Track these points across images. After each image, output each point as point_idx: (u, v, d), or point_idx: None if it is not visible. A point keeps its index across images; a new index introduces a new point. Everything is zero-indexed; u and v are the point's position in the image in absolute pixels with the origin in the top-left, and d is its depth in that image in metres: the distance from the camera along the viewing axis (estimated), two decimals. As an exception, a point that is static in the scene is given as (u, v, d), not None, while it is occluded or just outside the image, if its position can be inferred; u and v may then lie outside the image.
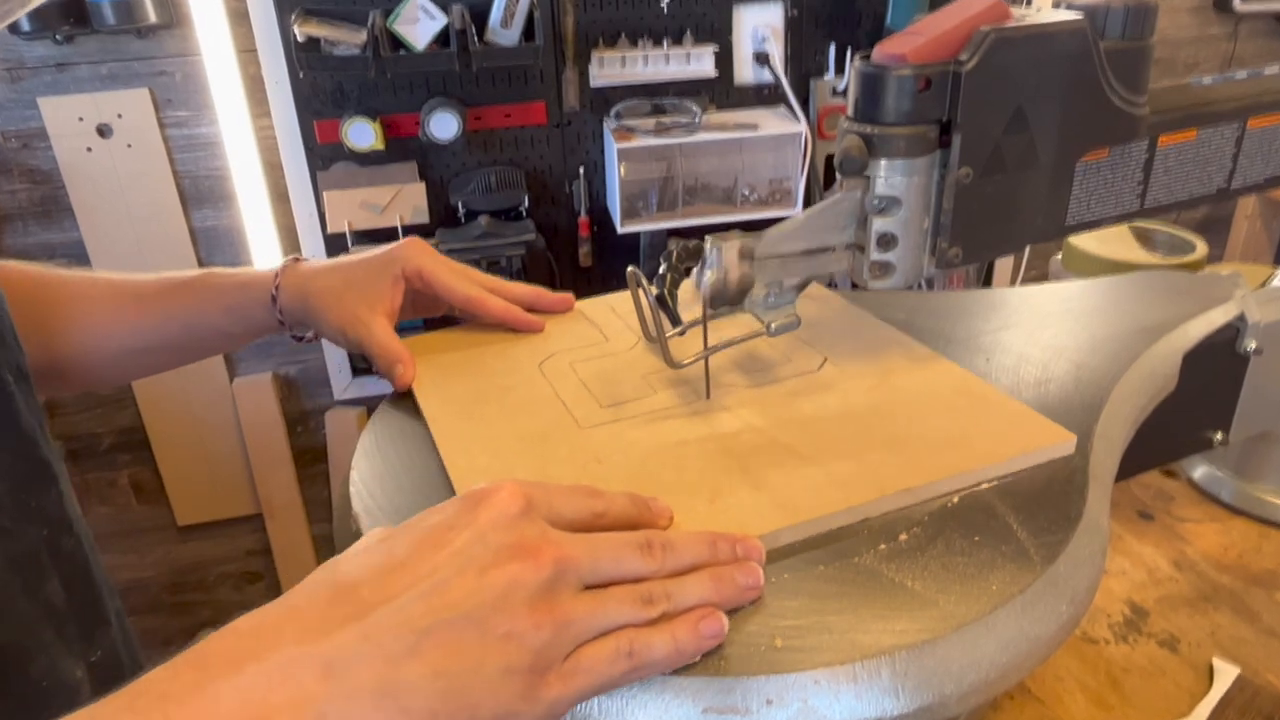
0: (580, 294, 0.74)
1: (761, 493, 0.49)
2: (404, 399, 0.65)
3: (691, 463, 0.53)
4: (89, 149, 1.69)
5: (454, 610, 0.36)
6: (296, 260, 0.71)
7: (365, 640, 0.35)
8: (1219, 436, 0.73)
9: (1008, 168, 0.55)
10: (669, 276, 0.60)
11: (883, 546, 0.47)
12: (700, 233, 1.93)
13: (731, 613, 0.42)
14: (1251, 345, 0.70)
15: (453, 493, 0.53)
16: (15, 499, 0.56)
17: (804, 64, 1.83)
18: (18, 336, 0.59)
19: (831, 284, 0.72)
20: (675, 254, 0.60)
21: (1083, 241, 1.21)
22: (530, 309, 0.71)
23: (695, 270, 0.57)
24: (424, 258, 0.69)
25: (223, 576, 2.12)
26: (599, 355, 0.66)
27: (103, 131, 1.68)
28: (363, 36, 1.55)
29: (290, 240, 1.79)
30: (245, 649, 0.35)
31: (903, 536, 0.48)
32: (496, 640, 0.36)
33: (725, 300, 0.57)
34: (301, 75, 1.63)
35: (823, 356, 0.64)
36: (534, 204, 1.80)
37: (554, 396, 0.61)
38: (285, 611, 0.37)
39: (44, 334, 0.70)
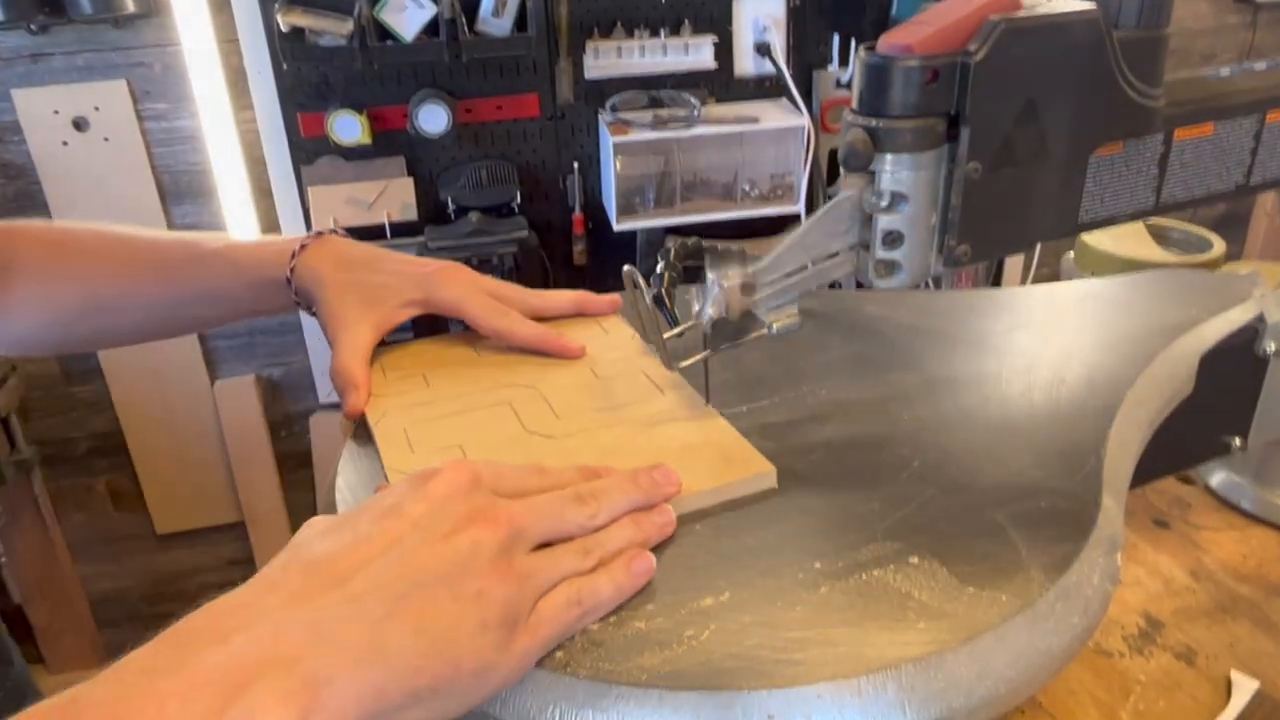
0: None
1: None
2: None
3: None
4: (65, 143, 1.68)
5: (425, 573, 0.40)
6: (322, 235, 0.71)
7: (347, 604, 0.38)
8: (1237, 442, 0.73)
9: (1018, 162, 0.55)
10: (667, 276, 0.60)
11: (889, 556, 0.47)
12: (699, 230, 1.92)
13: (733, 625, 0.43)
14: (1271, 347, 0.70)
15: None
16: None
17: (806, 55, 1.83)
18: None
19: (836, 285, 0.72)
20: (673, 252, 0.60)
21: (1096, 239, 1.21)
22: (579, 314, 0.72)
23: (695, 302, 0.57)
24: (456, 288, 0.68)
25: (203, 587, 2.11)
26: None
27: (79, 124, 1.68)
28: (349, 26, 1.54)
29: (273, 237, 1.79)
30: (228, 622, 0.37)
31: (911, 549, 0.48)
32: (468, 599, 0.40)
33: (727, 336, 0.58)
34: (285, 66, 1.62)
35: None
36: (526, 200, 1.80)
37: (510, 412, 0.61)
38: (262, 586, 0.39)
39: (55, 295, 0.73)
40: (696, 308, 0.57)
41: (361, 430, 0.62)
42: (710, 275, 0.55)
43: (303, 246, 0.69)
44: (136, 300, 0.73)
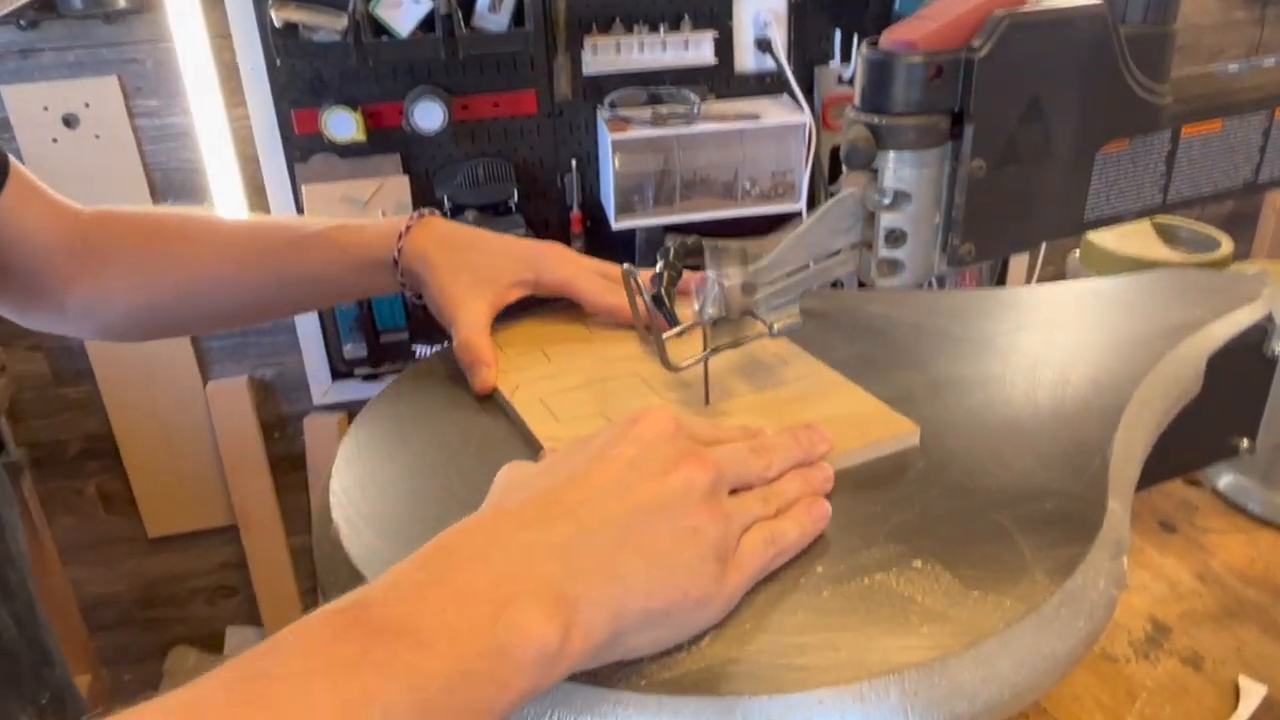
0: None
1: None
2: (387, 405, 0.65)
3: None
4: (55, 140, 1.68)
5: (645, 508, 0.43)
6: (423, 215, 0.72)
7: (582, 532, 0.41)
8: (1245, 444, 0.73)
9: (1023, 160, 0.55)
10: (666, 275, 0.60)
11: (892, 559, 0.47)
12: (699, 228, 1.92)
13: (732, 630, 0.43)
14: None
15: (437, 507, 0.53)
16: None
17: (808, 51, 1.83)
18: None
19: (838, 284, 0.72)
20: (673, 251, 0.61)
21: (1102, 238, 1.21)
22: (680, 291, 0.73)
23: (695, 299, 0.57)
24: (566, 267, 0.71)
25: (196, 591, 2.11)
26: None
27: (69, 122, 1.68)
28: (343, 21, 1.54)
29: (267, 236, 1.78)
30: (484, 541, 0.41)
31: (914, 552, 0.48)
32: (685, 533, 0.43)
33: (728, 331, 0.58)
34: (279, 62, 1.62)
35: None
36: (524, 198, 1.80)
37: (641, 382, 0.63)
38: (495, 517, 0.43)
39: (152, 282, 0.74)
40: (696, 307, 0.57)
41: (491, 404, 0.63)
42: (710, 274, 0.55)
43: (408, 228, 0.71)
44: (236, 286, 0.75)
